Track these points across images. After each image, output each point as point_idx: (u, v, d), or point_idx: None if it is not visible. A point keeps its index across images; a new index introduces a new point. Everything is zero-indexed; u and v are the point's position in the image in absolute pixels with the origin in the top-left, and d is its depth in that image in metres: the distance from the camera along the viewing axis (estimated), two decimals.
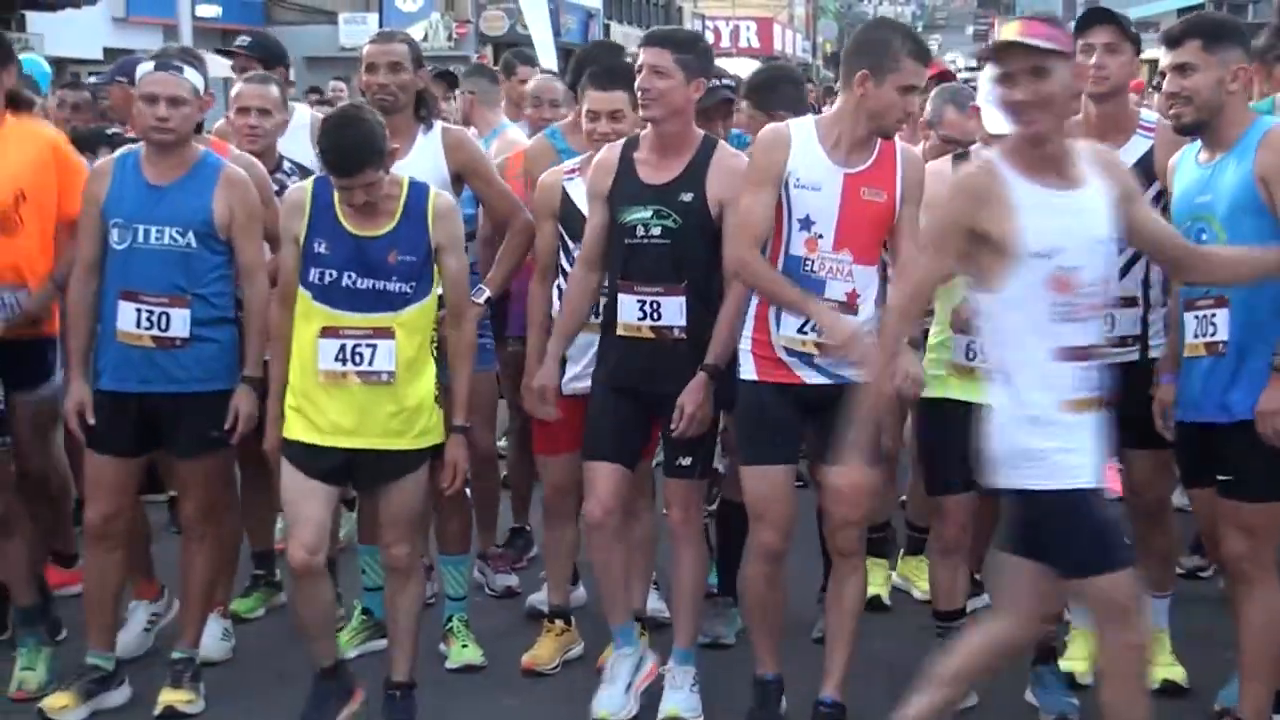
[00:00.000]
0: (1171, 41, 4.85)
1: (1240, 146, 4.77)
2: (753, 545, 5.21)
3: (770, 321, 4.97)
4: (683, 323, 5.12)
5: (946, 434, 5.14)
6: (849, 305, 4.92)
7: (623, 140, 5.34)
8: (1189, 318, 4.84)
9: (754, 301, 5.03)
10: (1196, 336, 4.82)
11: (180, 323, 5.22)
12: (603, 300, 5.35)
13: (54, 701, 5.29)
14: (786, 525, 5.09)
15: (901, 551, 6.71)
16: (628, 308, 5.17)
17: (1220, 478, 4.80)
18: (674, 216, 5.10)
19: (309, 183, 5.12)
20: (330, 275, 4.93)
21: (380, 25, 29.86)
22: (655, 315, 5.13)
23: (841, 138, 4.94)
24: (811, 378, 4.97)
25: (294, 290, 5.02)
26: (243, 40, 7.11)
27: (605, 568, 5.39)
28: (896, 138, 5.05)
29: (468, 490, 6.56)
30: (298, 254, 5.00)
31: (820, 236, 4.92)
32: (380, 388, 4.93)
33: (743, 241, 4.98)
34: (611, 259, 5.25)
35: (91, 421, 5.29)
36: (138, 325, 5.21)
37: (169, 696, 5.34)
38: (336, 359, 4.92)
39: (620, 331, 5.20)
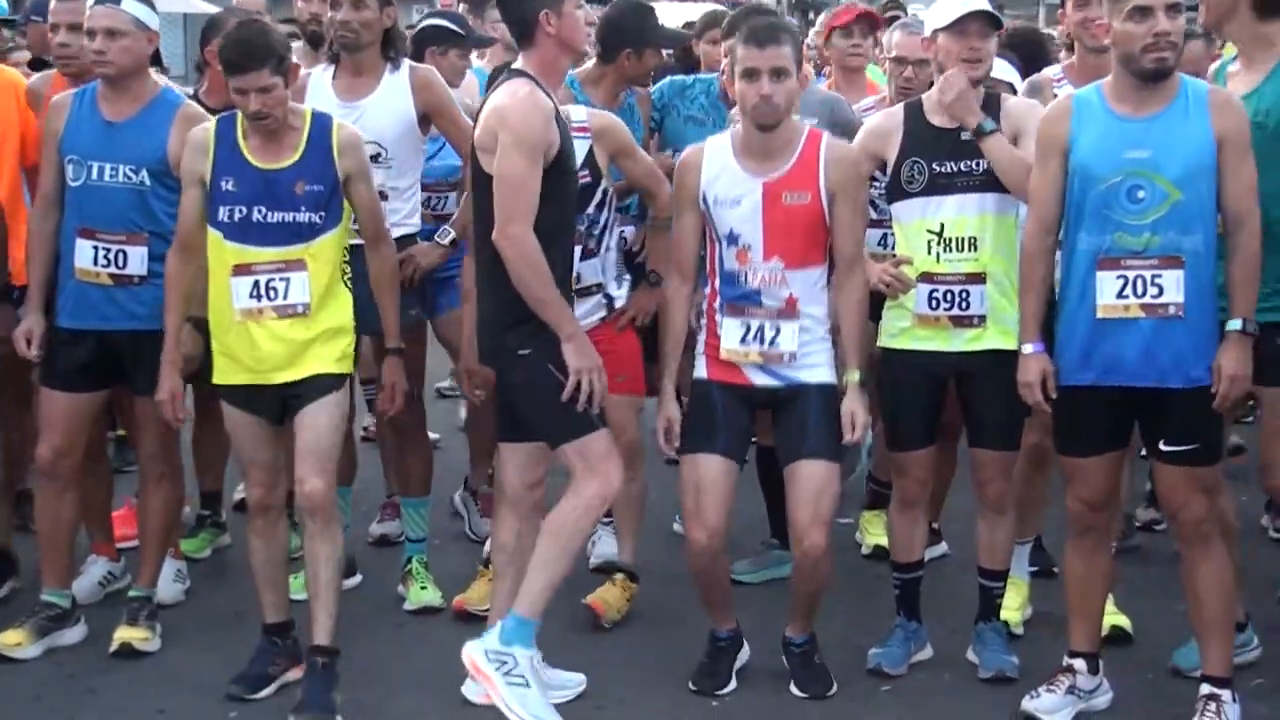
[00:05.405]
0: None
1: (1180, 103, 4.56)
2: (686, 537, 5.04)
3: (719, 330, 4.96)
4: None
5: (906, 388, 5.13)
6: (788, 311, 4.89)
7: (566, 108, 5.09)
8: (1106, 276, 4.57)
9: (704, 309, 5.04)
10: (1123, 296, 4.57)
11: (137, 260, 5.19)
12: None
13: (8, 638, 5.27)
14: (716, 521, 4.90)
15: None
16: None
17: (1178, 448, 4.62)
18: None
19: (212, 122, 5.04)
20: (240, 212, 4.88)
21: None
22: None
23: (752, 144, 4.90)
24: (760, 380, 4.97)
25: (193, 237, 4.95)
26: None
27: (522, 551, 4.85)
28: (826, 136, 4.96)
29: (433, 434, 6.54)
30: (200, 198, 4.93)
31: (749, 248, 4.91)
32: (296, 319, 4.89)
33: (670, 270, 5.12)
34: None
35: (37, 351, 5.25)
36: (95, 263, 5.18)
37: (125, 634, 5.32)
38: (251, 296, 4.88)
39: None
